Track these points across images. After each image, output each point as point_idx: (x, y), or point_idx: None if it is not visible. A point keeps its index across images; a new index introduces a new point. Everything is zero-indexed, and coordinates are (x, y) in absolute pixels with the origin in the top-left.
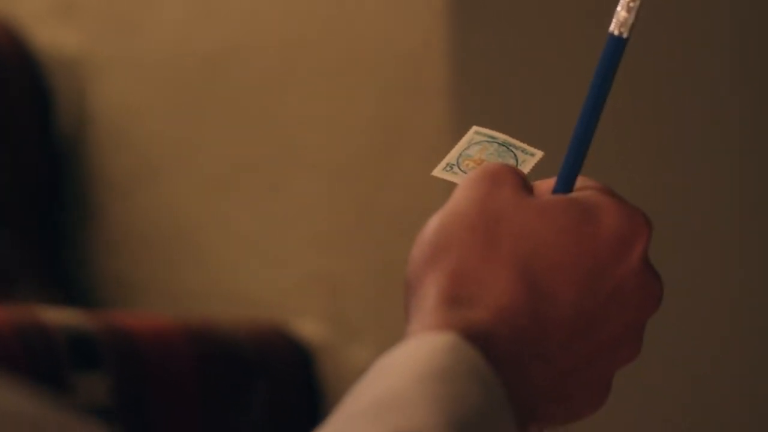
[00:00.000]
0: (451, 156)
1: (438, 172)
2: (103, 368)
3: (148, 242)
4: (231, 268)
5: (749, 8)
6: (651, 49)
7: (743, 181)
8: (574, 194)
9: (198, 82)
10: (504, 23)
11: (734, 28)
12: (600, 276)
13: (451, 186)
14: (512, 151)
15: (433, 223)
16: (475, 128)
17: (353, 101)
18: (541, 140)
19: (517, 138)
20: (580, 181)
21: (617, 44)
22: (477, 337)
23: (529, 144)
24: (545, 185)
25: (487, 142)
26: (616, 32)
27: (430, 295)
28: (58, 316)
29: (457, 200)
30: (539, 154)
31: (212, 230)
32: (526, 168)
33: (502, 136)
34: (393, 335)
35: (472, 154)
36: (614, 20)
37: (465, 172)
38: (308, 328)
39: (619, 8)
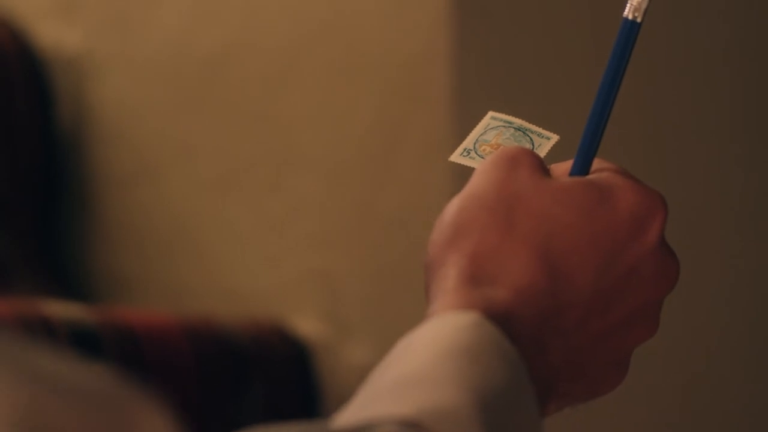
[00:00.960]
0: (468, 141)
1: (455, 157)
2: (104, 363)
3: (147, 239)
4: (229, 266)
5: (749, 8)
6: (651, 49)
7: (743, 181)
8: (590, 176)
9: (198, 82)
10: (504, 25)
11: (734, 28)
12: (617, 256)
13: (452, 177)
14: (528, 136)
15: (452, 206)
16: (491, 113)
17: (353, 101)
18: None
19: None
20: (597, 163)
21: (631, 28)
22: (498, 316)
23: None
24: (562, 168)
25: (504, 126)
26: (630, 17)
27: (451, 275)
28: (60, 311)
29: (475, 183)
30: (555, 137)
31: (211, 228)
32: (542, 152)
33: (518, 121)
34: (390, 333)
35: (489, 139)
36: (628, 5)
37: (482, 157)
38: (306, 325)
39: None
